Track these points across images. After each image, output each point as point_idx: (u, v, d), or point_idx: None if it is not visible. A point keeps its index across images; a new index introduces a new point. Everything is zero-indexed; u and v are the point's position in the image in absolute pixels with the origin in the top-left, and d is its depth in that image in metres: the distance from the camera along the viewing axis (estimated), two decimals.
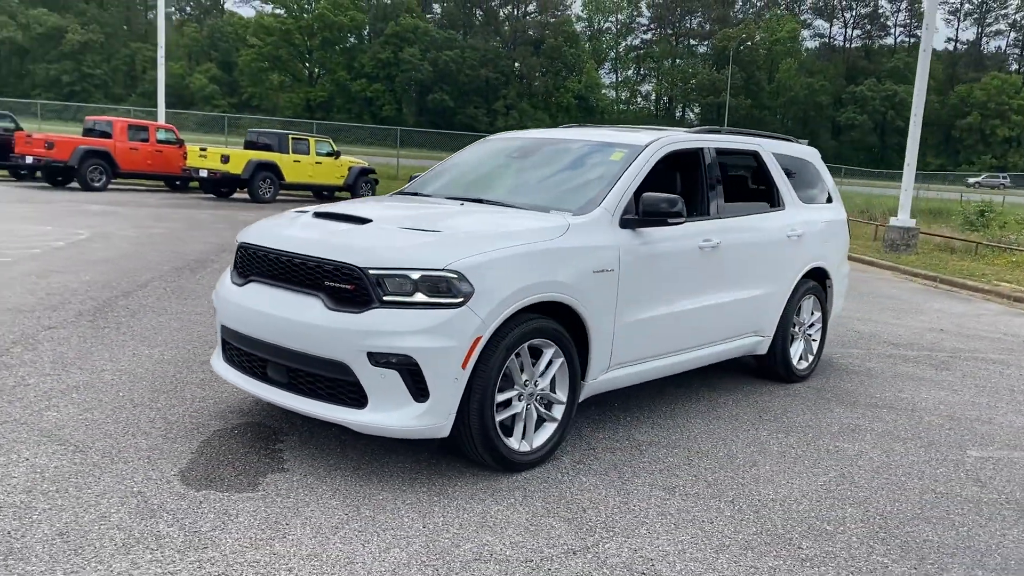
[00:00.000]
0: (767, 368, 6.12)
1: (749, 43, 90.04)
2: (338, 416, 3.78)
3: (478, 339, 3.74)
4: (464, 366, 3.72)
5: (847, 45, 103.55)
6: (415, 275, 3.72)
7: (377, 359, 3.66)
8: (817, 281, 6.31)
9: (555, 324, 4.11)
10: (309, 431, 4.44)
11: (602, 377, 4.56)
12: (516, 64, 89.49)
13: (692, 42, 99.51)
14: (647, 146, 4.93)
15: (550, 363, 4.18)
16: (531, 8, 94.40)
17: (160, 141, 21.17)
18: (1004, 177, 64.10)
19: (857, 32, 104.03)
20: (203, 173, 20.07)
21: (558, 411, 4.28)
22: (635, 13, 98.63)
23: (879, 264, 14.91)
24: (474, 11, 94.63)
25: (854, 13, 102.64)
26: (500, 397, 3.94)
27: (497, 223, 4.30)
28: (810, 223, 6.10)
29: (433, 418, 3.72)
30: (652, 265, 4.69)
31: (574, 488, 3.95)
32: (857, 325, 8.83)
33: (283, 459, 4.06)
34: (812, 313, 6.33)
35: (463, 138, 36.61)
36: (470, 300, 3.72)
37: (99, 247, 10.67)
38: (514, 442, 4.05)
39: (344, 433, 4.39)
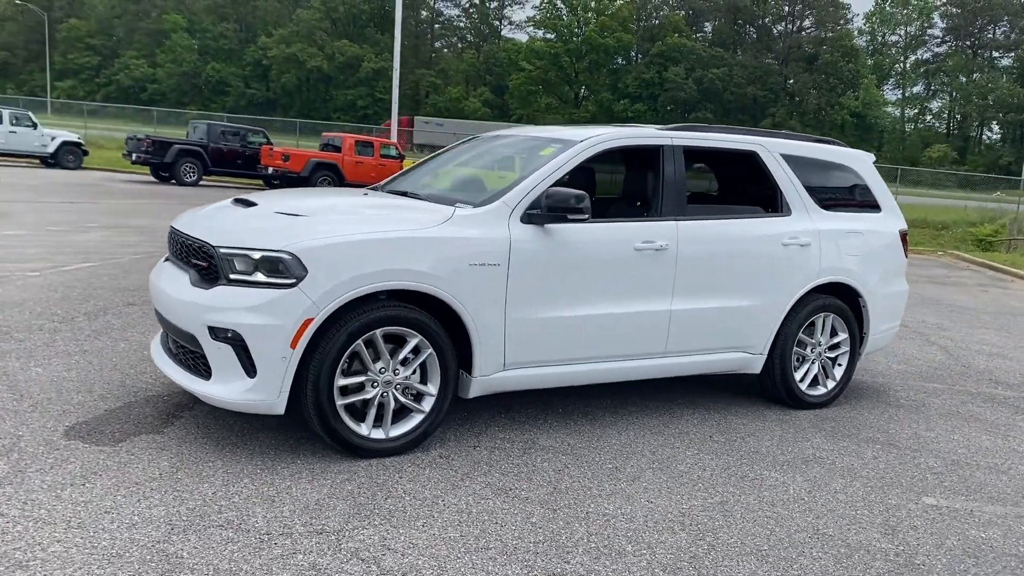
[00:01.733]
0: (767, 391, 5.57)
1: None
2: (192, 386, 4.06)
3: (308, 321, 3.85)
4: (293, 346, 3.85)
5: None
6: (256, 255, 3.91)
7: (216, 333, 3.90)
8: (841, 298, 5.63)
9: (419, 314, 4.11)
10: None
11: (498, 375, 4.45)
12: (790, 81, 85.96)
13: (994, 54, 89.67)
14: (580, 142, 4.74)
15: (418, 353, 4.18)
16: (807, 23, 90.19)
17: (383, 156, 22.99)
18: None
19: None
20: None
21: (428, 403, 4.26)
22: (926, 25, 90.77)
23: None
24: (746, 28, 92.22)
25: None
26: (345, 381, 4.01)
27: (373, 211, 4.39)
28: (826, 232, 5.46)
29: (262, 394, 3.88)
30: (562, 263, 4.50)
31: (405, 479, 3.92)
32: (975, 359, 7.67)
33: (173, 424, 4.40)
34: (836, 333, 5.65)
35: None
36: (302, 282, 3.84)
37: None
38: (364, 428, 4.10)
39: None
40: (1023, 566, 3.55)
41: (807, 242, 5.36)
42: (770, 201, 5.46)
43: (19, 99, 54.43)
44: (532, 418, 4.94)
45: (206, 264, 4.06)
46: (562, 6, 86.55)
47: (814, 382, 5.62)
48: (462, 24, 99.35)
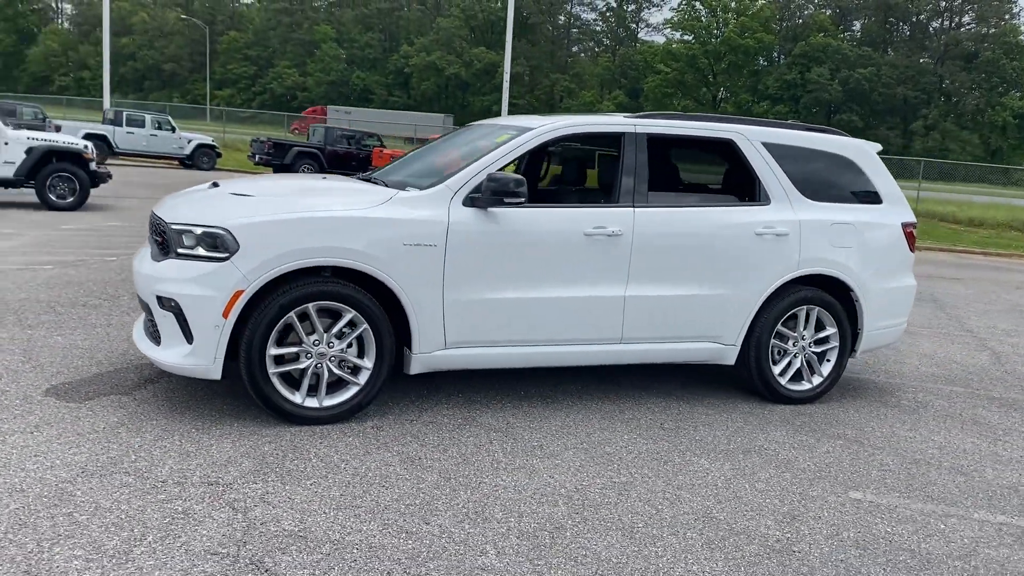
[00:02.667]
0: (744, 383, 5.45)
1: None
2: (147, 351, 4.44)
3: (239, 293, 4.14)
4: (225, 316, 4.14)
5: None
6: (198, 231, 4.24)
7: (162, 302, 4.25)
8: (830, 291, 5.43)
9: (351, 290, 4.33)
10: None
11: (440, 353, 4.60)
12: (945, 81, 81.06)
13: None
14: (532, 130, 4.84)
15: (354, 327, 4.40)
16: (967, 19, 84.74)
17: None
18: None
19: None
20: None
21: (364, 376, 4.46)
22: None
23: None
24: (899, 26, 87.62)
25: None
26: (278, 351, 4.28)
27: (318, 194, 4.63)
28: (809, 223, 5.28)
29: (198, 359, 4.20)
30: (505, 246, 4.59)
31: (324, 444, 4.14)
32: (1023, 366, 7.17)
33: (144, 388, 4.79)
34: (823, 328, 5.45)
35: None
36: (234, 256, 4.14)
37: None
38: (297, 396, 4.35)
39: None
40: (912, 560, 3.40)
41: (784, 232, 5.22)
42: (747, 190, 5.35)
43: (167, 106, 58.53)
44: (488, 398, 5.06)
45: (161, 240, 4.43)
46: (701, 7, 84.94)
47: (797, 376, 5.45)
48: (598, 28, 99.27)
